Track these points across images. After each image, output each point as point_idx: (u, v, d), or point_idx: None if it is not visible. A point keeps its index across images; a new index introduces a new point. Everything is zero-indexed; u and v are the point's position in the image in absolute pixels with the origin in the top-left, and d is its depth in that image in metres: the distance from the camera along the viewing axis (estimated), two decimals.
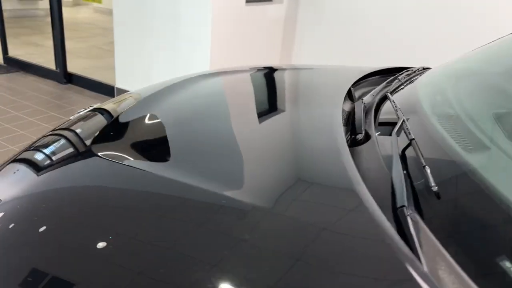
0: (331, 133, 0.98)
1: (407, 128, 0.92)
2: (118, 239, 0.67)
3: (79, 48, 5.74)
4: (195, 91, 1.32)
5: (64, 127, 1.14)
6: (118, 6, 3.61)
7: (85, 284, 0.59)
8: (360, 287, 0.58)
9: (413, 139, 0.87)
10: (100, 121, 1.13)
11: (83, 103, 3.72)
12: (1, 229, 0.72)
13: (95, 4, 7.82)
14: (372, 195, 0.78)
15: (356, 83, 1.46)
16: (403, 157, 0.90)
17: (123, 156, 0.91)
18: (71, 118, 1.24)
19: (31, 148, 1.06)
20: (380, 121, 1.15)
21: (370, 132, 1.06)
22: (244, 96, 1.27)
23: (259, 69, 1.58)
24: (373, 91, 1.31)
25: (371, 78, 1.57)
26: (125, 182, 0.83)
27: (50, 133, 1.14)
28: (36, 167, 0.95)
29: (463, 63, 1.32)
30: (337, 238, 0.67)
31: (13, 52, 4.68)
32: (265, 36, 3.79)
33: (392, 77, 1.43)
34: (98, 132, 1.03)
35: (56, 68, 4.19)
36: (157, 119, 1.13)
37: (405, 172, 0.81)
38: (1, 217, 0.75)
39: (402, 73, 1.47)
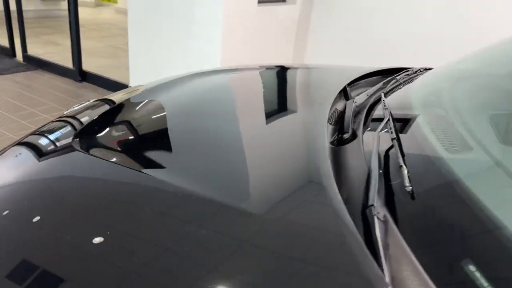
0: (314, 132, 0.97)
1: (390, 128, 0.90)
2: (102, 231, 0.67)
3: (98, 48, 5.85)
4: (190, 88, 1.33)
5: (71, 114, 1.16)
6: (132, 6, 3.66)
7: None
8: (305, 279, 0.57)
9: (395, 138, 0.85)
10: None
11: None
12: None
13: (117, 5, 7.95)
14: (346, 194, 0.76)
15: (355, 83, 1.44)
16: (385, 156, 0.88)
17: (105, 151, 0.92)
18: (74, 108, 1.26)
19: (37, 133, 1.08)
20: (372, 120, 1.13)
21: (357, 132, 1.04)
22: (234, 94, 1.27)
23: (256, 68, 1.57)
24: (368, 91, 1.29)
25: (371, 78, 1.54)
26: (106, 177, 0.83)
27: (57, 119, 1.17)
28: (39, 153, 0.96)
29: (462, 63, 1.28)
30: (291, 233, 0.65)
31: (34, 50, 4.80)
32: (278, 37, 3.78)
33: (390, 77, 1.41)
34: (87, 123, 1.04)
35: (73, 67, 4.27)
36: (148, 114, 1.14)
37: (381, 171, 0.79)
38: None
39: (401, 73, 1.44)
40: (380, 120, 1.02)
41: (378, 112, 1.14)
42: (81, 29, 7.10)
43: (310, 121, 1.08)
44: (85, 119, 1.09)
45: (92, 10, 8.41)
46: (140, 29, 3.69)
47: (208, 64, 3.35)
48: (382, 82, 1.39)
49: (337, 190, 0.71)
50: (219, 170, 0.84)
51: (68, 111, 1.26)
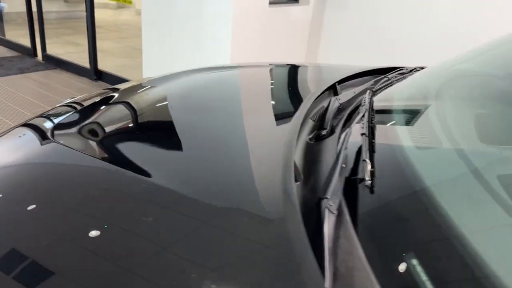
0: (288, 128, 0.97)
1: (362, 123, 0.89)
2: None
3: (116, 48, 5.97)
4: (179, 84, 1.35)
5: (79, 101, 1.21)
6: (146, 6, 3.72)
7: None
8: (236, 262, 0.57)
9: (364, 134, 0.85)
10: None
11: None
12: None
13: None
14: (308, 188, 0.76)
15: (347, 81, 1.43)
16: (355, 152, 0.87)
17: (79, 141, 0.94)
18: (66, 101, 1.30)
19: (43, 115, 1.12)
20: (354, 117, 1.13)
21: (336, 128, 1.04)
22: (217, 92, 1.28)
23: (249, 65, 1.58)
24: (355, 89, 1.28)
25: (366, 77, 1.53)
26: (75, 167, 0.85)
27: (65, 103, 1.21)
28: (42, 135, 0.99)
29: (453, 62, 1.26)
30: (234, 224, 0.65)
31: (55, 50, 4.93)
32: (290, 37, 3.78)
33: (382, 76, 1.39)
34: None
35: (89, 66, 4.37)
36: (132, 108, 1.16)
37: (344, 165, 0.79)
38: None
39: (394, 72, 1.43)
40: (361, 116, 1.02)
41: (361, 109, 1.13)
42: (101, 31, 7.27)
43: (288, 117, 1.08)
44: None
45: (113, 12, 8.59)
46: (153, 29, 3.75)
47: (217, 63, 3.37)
48: (374, 80, 1.38)
49: (293, 184, 0.71)
50: (191, 165, 0.85)
51: (77, 97, 1.30)
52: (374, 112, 0.98)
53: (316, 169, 0.86)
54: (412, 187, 0.71)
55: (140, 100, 1.21)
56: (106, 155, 0.88)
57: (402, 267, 0.58)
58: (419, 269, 0.57)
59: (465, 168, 0.73)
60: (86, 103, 1.18)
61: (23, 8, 5.00)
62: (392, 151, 0.84)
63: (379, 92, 1.24)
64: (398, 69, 1.46)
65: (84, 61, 4.50)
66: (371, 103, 1.04)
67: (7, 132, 1.04)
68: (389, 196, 0.72)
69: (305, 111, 1.04)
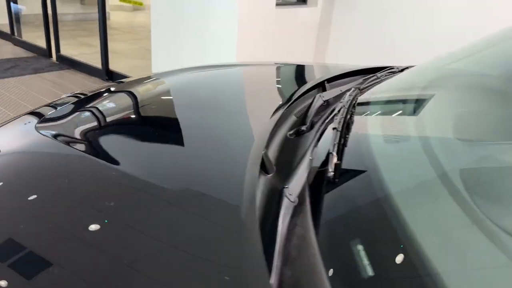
0: (265, 123, 0.99)
1: (336, 118, 0.91)
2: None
3: (130, 49, 6.07)
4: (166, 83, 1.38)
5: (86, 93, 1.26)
6: (155, 8, 3.79)
7: None
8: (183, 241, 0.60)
9: (335, 128, 0.86)
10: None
11: None
12: None
13: None
14: (275, 180, 0.78)
15: (337, 80, 1.45)
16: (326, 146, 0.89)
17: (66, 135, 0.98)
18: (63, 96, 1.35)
19: (50, 105, 1.17)
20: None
21: (316, 124, 1.06)
22: (204, 89, 1.31)
23: (242, 64, 1.61)
24: (343, 87, 1.30)
25: (357, 76, 1.54)
26: (58, 158, 0.89)
27: (71, 94, 1.26)
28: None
29: (442, 61, 1.26)
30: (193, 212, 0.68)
31: (70, 51, 5.05)
32: (297, 38, 3.79)
33: (371, 75, 1.40)
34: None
35: (101, 66, 4.47)
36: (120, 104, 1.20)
37: (311, 158, 0.80)
38: None
39: (384, 71, 1.43)
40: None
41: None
42: (116, 32, 7.40)
43: (271, 113, 1.10)
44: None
45: (129, 14, 8.72)
46: (162, 30, 3.81)
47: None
48: (362, 79, 1.39)
49: (256, 174, 0.74)
50: (166, 156, 0.88)
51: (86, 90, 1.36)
52: (353, 109, 1.00)
53: (289, 162, 0.88)
54: (372, 180, 0.73)
55: (129, 95, 1.25)
56: (85, 146, 0.91)
57: (349, 254, 0.59)
58: (363, 256, 0.58)
59: (427, 162, 0.74)
60: (94, 97, 1.23)
61: (41, 10, 5.13)
62: (362, 145, 0.86)
63: (366, 90, 1.25)
64: (389, 68, 1.47)
65: (97, 61, 4.59)
66: (351, 99, 1.05)
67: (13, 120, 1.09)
68: (350, 188, 0.73)
69: (285, 108, 1.07)
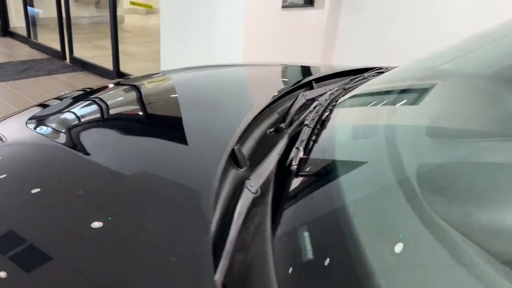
0: (239, 120, 1.02)
1: (308, 117, 0.94)
2: None
3: (142, 52, 6.18)
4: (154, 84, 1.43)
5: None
6: (164, 12, 3.87)
7: None
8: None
9: (306, 125, 0.90)
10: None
11: None
12: None
13: None
14: (244, 173, 0.82)
15: (325, 80, 1.48)
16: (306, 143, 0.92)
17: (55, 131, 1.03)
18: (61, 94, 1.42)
19: (59, 98, 1.23)
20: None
21: (295, 122, 1.09)
22: (194, 88, 1.35)
23: (232, 65, 1.65)
24: (327, 87, 1.33)
25: (347, 76, 1.56)
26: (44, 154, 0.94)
27: (81, 89, 1.33)
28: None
29: (425, 61, 1.28)
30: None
31: (84, 53, 5.18)
32: (303, 41, 3.81)
33: (359, 75, 1.43)
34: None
35: (112, 68, 4.57)
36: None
37: (279, 153, 0.84)
38: None
39: (372, 71, 1.46)
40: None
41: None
42: (130, 35, 7.53)
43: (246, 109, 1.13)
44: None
45: (142, 17, 8.86)
46: (170, 34, 3.88)
47: None
48: (350, 79, 1.41)
49: (221, 166, 0.77)
50: (143, 152, 0.92)
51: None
52: (330, 107, 1.03)
53: (264, 157, 0.91)
54: (332, 175, 0.76)
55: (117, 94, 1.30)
56: (69, 140, 0.96)
57: (300, 243, 0.62)
58: (312, 245, 0.61)
59: (386, 160, 0.77)
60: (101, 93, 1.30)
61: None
62: (331, 142, 0.89)
63: (350, 90, 1.28)
64: (377, 69, 1.49)
65: (109, 63, 4.70)
66: (330, 99, 1.08)
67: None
68: (311, 182, 0.76)
69: (269, 106, 1.10)
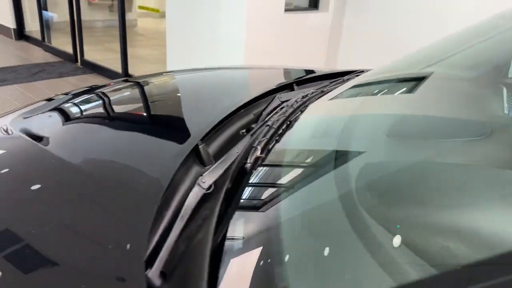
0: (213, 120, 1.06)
1: (272, 117, 0.98)
2: None
3: (152, 55, 6.28)
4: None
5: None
6: (170, 15, 3.95)
7: None
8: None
9: (268, 125, 0.93)
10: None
11: None
12: None
13: None
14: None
15: (307, 83, 1.51)
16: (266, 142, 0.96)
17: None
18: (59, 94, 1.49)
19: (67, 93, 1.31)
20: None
21: (267, 123, 1.13)
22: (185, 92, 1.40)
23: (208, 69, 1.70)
24: (305, 89, 1.36)
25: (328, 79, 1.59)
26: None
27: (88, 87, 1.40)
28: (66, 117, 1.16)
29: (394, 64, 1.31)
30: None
31: (95, 56, 5.30)
32: (307, 44, 3.84)
33: (338, 78, 1.46)
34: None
35: (121, 71, 4.67)
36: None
37: (238, 152, 0.88)
38: None
39: (353, 74, 1.48)
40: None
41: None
42: (142, 38, 7.65)
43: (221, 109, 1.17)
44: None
45: (155, 20, 9.00)
46: (175, 37, 3.96)
47: None
48: (329, 82, 1.45)
49: (177, 163, 0.81)
50: (107, 147, 0.97)
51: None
52: (297, 109, 1.06)
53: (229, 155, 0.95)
54: (285, 176, 0.79)
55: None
56: (45, 139, 1.02)
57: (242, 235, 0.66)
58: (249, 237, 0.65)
59: (332, 159, 0.80)
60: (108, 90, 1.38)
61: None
62: (290, 143, 0.92)
63: (326, 93, 1.31)
64: (360, 72, 1.52)
65: (120, 66, 4.81)
66: (299, 100, 1.12)
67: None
68: (265, 181, 0.80)
69: (236, 107, 1.14)
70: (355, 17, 3.85)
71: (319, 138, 0.92)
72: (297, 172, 0.78)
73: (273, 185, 0.77)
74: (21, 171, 0.84)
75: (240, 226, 0.70)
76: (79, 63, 5.29)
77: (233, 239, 0.67)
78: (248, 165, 0.80)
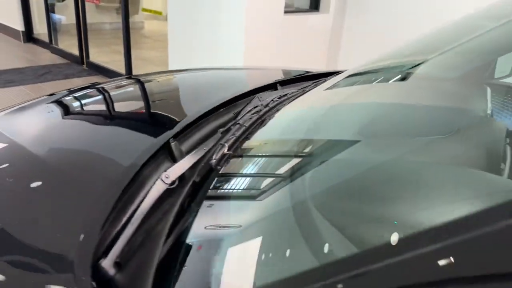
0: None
1: (245, 116, 1.00)
2: None
3: (156, 57, 6.34)
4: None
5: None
6: (172, 17, 3.99)
7: None
8: None
9: (239, 123, 0.96)
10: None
11: None
12: None
13: None
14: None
15: (292, 84, 1.53)
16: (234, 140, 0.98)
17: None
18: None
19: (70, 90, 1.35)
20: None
21: (245, 123, 1.15)
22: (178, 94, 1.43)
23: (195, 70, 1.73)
24: (286, 90, 1.38)
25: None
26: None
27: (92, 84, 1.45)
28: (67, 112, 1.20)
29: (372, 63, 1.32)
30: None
31: (102, 58, 5.38)
32: (308, 46, 3.85)
33: (321, 79, 1.48)
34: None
35: (125, 72, 4.73)
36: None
37: (205, 148, 0.91)
38: None
39: (336, 75, 1.50)
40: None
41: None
42: (148, 41, 7.72)
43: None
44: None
45: (161, 23, 9.06)
46: (177, 40, 4.00)
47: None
48: (312, 82, 1.47)
49: (143, 160, 0.84)
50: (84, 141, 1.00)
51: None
52: (269, 109, 1.09)
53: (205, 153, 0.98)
54: (250, 173, 0.82)
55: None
56: (24, 136, 1.06)
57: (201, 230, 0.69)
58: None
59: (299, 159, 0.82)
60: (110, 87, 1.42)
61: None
62: (258, 141, 0.95)
63: (305, 93, 1.33)
64: (344, 72, 1.54)
65: (123, 67, 4.88)
66: (275, 101, 1.14)
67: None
68: (229, 178, 0.83)
69: (213, 106, 1.17)
70: (356, 18, 3.86)
71: (288, 135, 0.94)
72: (263, 167, 0.80)
73: (238, 180, 0.79)
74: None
75: (203, 220, 0.72)
76: (84, 65, 5.37)
77: (194, 232, 0.69)
78: (213, 162, 0.82)
